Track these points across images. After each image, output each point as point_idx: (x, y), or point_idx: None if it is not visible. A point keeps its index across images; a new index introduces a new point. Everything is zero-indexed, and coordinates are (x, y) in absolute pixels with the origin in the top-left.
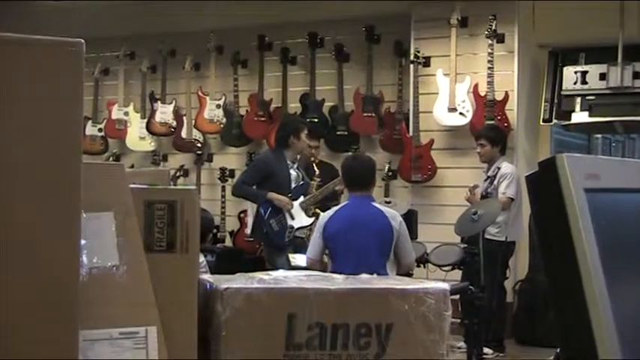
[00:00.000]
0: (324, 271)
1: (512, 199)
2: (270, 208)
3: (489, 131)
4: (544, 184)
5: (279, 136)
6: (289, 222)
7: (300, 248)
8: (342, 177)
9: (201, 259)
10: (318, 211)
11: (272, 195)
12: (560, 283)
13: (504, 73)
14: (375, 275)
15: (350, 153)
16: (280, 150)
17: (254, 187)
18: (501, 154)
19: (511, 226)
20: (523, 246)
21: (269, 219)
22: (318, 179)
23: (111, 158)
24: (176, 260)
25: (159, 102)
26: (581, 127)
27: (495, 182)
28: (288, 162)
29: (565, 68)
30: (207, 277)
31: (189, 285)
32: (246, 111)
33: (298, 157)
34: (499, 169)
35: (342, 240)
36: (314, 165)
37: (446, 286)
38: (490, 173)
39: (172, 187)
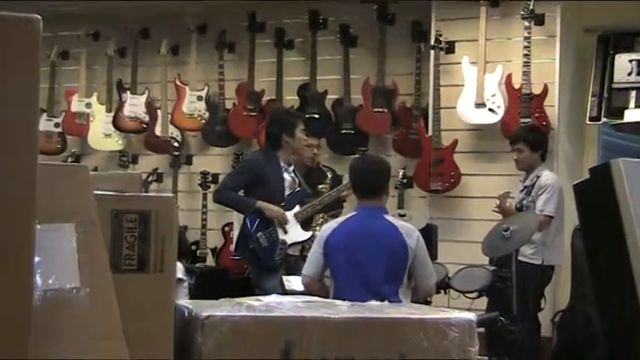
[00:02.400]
0: (325, 295)
1: (552, 217)
2: (258, 220)
3: (528, 133)
4: (596, 192)
5: (269, 133)
6: (281, 236)
7: (294, 269)
8: (350, 182)
9: (184, 277)
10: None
11: (261, 204)
12: (612, 300)
13: (544, 61)
14: (386, 302)
15: (357, 156)
16: (272, 150)
17: (240, 193)
18: (542, 160)
19: (549, 247)
20: (563, 271)
21: (256, 232)
22: (330, 183)
23: (70, 159)
24: (149, 282)
25: (128, 92)
26: (635, 126)
27: (533, 194)
28: (282, 164)
29: (617, 56)
30: (185, 302)
31: (165, 312)
32: (234, 104)
33: (294, 158)
34: (538, 178)
35: (346, 258)
36: (321, 167)
37: (471, 316)
38: (528, 182)
39: (145, 194)
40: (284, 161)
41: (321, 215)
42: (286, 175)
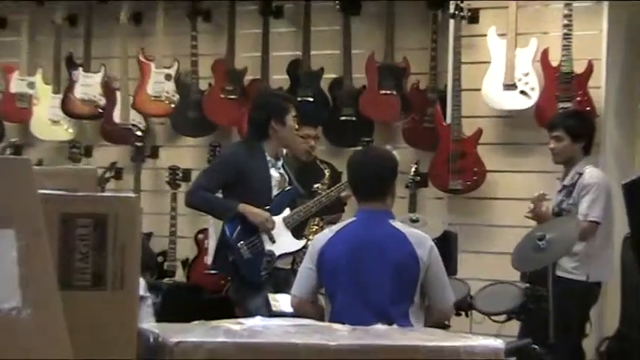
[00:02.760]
0: (319, 317)
1: (598, 224)
2: (239, 226)
3: (569, 119)
4: None
5: (253, 120)
6: (267, 246)
7: (283, 285)
8: (348, 180)
9: (147, 294)
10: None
11: (244, 207)
12: None
13: (588, 34)
14: (394, 326)
15: (360, 148)
16: (256, 141)
17: (218, 194)
18: (585, 153)
19: (595, 260)
20: (612, 289)
21: (237, 241)
22: (327, 183)
23: (8, 151)
24: (106, 300)
25: (80, 69)
26: None
27: (575, 195)
28: (268, 158)
29: None
30: (151, 325)
31: (125, 336)
32: (209, 84)
33: (284, 151)
34: (580, 175)
35: (344, 273)
36: (318, 162)
37: (499, 343)
38: (567, 181)
39: (101, 194)
40: (271, 154)
41: (315, 221)
42: (274, 172)
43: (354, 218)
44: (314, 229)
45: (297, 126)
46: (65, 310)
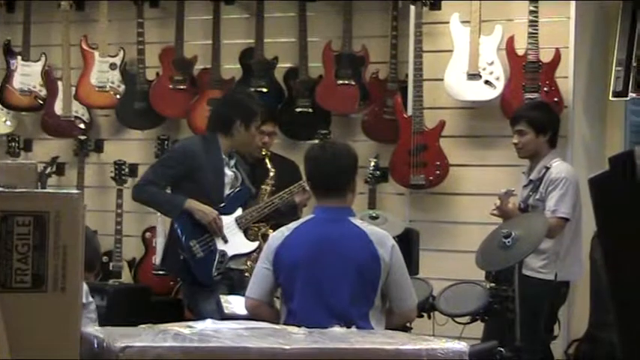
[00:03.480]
0: (275, 320)
1: (567, 220)
2: (189, 225)
3: (532, 111)
4: (617, 187)
5: (219, 115)
6: (220, 246)
7: (239, 288)
8: (306, 176)
9: (90, 299)
10: (270, 232)
11: (193, 204)
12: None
13: (555, 21)
14: (353, 328)
15: (317, 141)
16: (215, 136)
17: (167, 190)
18: (551, 146)
19: (563, 258)
20: (581, 288)
21: (188, 240)
22: (272, 183)
23: None
24: (47, 303)
25: (18, 58)
26: None
27: (542, 190)
28: (223, 155)
29: None
30: (95, 329)
31: (68, 341)
32: (157, 74)
33: (234, 150)
34: (547, 169)
35: (302, 275)
36: (267, 161)
37: (463, 346)
38: (534, 176)
39: (41, 190)
40: (225, 152)
41: (263, 224)
42: (227, 170)
43: (311, 215)
44: (262, 231)
45: (257, 134)
46: (3, 313)
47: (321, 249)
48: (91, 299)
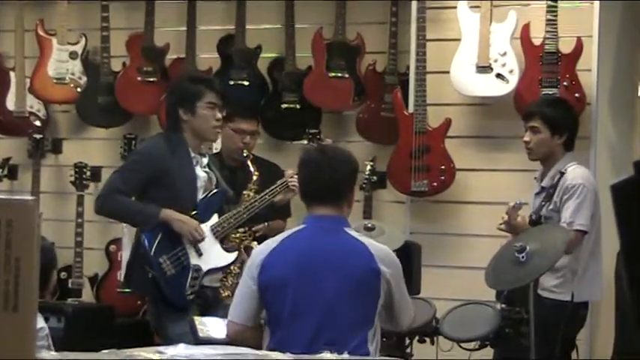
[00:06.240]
0: (258, 345)
1: (585, 233)
2: (160, 236)
3: (548, 107)
4: None
5: (167, 107)
6: (193, 260)
7: (214, 308)
8: (299, 180)
9: (41, 324)
10: (254, 244)
11: (169, 213)
12: None
13: (577, 5)
14: (345, 355)
15: (304, 142)
16: (176, 134)
17: (134, 198)
18: (566, 148)
19: (582, 276)
20: (604, 309)
21: (157, 257)
22: (255, 188)
23: None
24: None
25: None
26: None
27: (556, 199)
28: (192, 155)
29: None
30: (51, 354)
31: None
32: (123, 64)
33: (214, 150)
34: (562, 175)
35: (290, 292)
36: (249, 163)
37: None
38: (547, 182)
39: None
40: (194, 150)
41: (242, 231)
42: (199, 171)
43: (303, 225)
44: (240, 238)
45: (218, 115)
46: None
47: (315, 264)
48: (43, 324)
